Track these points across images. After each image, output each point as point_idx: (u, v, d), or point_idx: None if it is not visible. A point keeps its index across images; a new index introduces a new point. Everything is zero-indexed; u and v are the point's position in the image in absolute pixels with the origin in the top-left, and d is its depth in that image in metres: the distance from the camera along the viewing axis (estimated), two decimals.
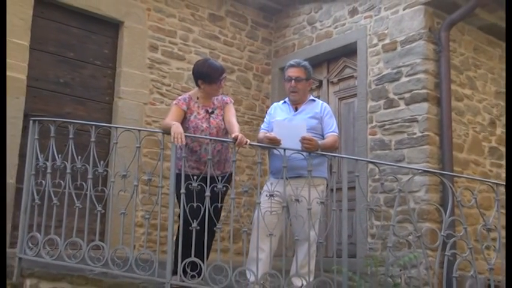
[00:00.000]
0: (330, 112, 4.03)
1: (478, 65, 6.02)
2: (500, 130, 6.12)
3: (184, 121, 3.88)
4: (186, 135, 3.62)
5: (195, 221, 3.45)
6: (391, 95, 5.55)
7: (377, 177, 5.12)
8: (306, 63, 4.12)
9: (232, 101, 4.11)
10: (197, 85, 3.98)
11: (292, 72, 4.02)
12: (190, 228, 3.46)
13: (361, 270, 3.76)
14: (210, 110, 3.93)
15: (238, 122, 6.08)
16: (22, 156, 4.58)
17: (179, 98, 4.01)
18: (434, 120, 5.30)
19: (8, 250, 4.45)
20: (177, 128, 3.62)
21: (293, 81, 3.98)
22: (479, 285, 3.87)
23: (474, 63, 5.98)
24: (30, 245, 3.82)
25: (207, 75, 3.88)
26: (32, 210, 3.88)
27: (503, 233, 3.81)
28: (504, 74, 6.32)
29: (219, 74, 3.92)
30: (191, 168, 3.73)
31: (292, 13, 6.77)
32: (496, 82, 6.20)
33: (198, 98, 3.97)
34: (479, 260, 4.31)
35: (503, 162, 6.09)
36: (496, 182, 4.27)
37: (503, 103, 6.22)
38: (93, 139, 3.81)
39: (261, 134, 4.05)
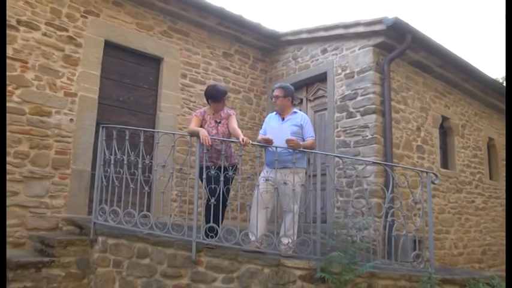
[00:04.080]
0: (308, 121, 3.92)
1: (409, 88, 5.97)
2: (423, 133, 6.07)
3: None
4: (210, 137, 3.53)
5: (213, 197, 3.40)
6: (351, 109, 5.49)
7: (341, 167, 5.07)
8: (285, 84, 4.01)
9: (235, 113, 3.96)
10: (208, 103, 3.85)
11: (274, 92, 3.95)
12: (209, 203, 3.40)
13: (330, 231, 3.70)
14: (218, 121, 3.80)
15: (244, 128, 6.11)
16: (94, 152, 4.55)
17: (197, 111, 3.90)
18: (380, 127, 5.25)
19: (86, 217, 4.49)
20: (204, 132, 3.53)
21: (273, 98, 3.93)
22: (409, 241, 3.87)
23: (406, 87, 5.93)
24: (101, 213, 3.79)
25: (215, 96, 3.77)
26: (102, 190, 3.84)
27: (425, 204, 3.77)
28: (426, 95, 6.27)
29: (223, 95, 3.80)
30: (206, 162, 3.62)
31: (281, 51, 6.69)
32: (420, 100, 6.15)
33: (210, 112, 3.84)
34: (409, 223, 4.27)
35: (426, 155, 6.05)
36: (421, 169, 4.25)
37: (425, 115, 6.18)
38: (142, 140, 3.75)
39: (259, 136, 3.94)
